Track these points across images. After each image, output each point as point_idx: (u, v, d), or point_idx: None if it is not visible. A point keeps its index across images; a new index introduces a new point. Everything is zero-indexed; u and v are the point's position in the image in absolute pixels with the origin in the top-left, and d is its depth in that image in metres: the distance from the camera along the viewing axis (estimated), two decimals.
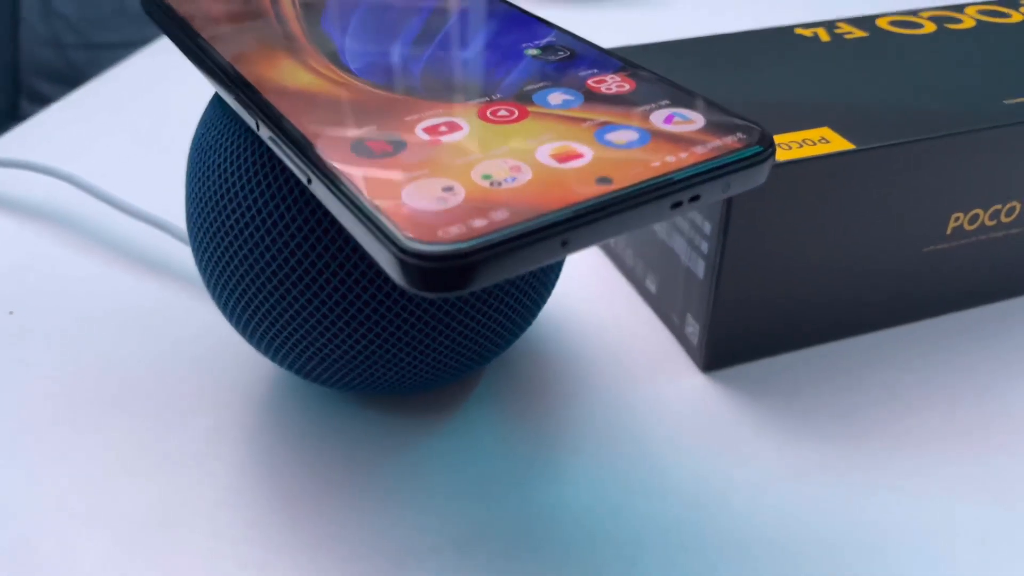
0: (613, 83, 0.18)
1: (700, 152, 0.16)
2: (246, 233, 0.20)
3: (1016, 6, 0.33)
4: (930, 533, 0.21)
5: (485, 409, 0.25)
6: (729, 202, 0.23)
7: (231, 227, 0.20)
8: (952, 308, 0.28)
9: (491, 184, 0.15)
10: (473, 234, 0.13)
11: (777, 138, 0.23)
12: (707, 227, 0.24)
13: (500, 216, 0.14)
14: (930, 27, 0.31)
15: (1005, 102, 0.25)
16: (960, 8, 0.33)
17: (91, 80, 0.45)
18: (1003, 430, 0.24)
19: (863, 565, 0.21)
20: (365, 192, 0.14)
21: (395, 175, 0.15)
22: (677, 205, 0.15)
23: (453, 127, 0.17)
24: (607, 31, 0.52)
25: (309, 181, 0.16)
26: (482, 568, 0.21)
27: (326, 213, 0.20)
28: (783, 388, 0.26)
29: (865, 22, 0.32)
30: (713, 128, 0.16)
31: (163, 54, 0.49)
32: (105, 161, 0.38)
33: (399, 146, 0.16)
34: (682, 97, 0.17)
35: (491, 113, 0.17)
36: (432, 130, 0.16)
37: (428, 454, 0.24)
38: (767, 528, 0.21)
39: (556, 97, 0.18)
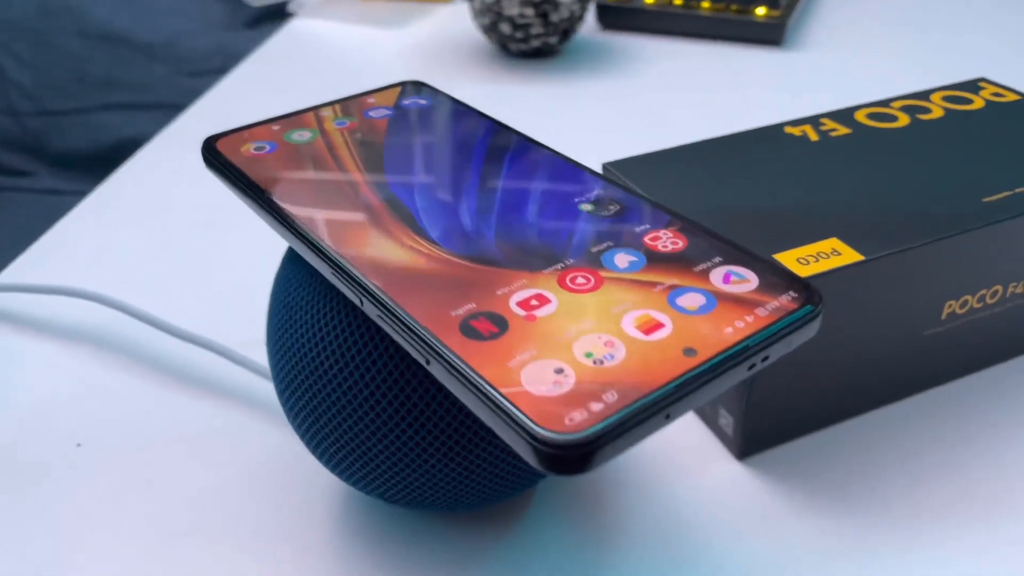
0: (667, 239, 0.21)
1: (764, 316, 0.18)
2: (344, 387, 0.22)
3: (976, 90, 0.37)
4: None
5: (546, 515, 0.27)
6: None
7: (327, 381, 0.22)
8: (950, 378, 0.31)
9: (594, 362, 0.17)
10: (594, 420, 0.16)
11: (793, 252, 0.26)
12: None
13: (611, 399, 0.16)
14: (904, 119, 0.34)
15: (984, 200, 0.29)
16: (926, 96, 0.36)
17: (95, 190, 0.47)
18: (1005, 487, 0.27)
19: None
20: (488, 379, 0.17)
21: (509, 359, 0.17)
22: (752, 367, 0.17)
23: (542, 300, 0.19)
24: (583, 102, 0.54)
25: (428, 362, 0.18)
26: None
27: (411, 362, 0.22)
28: (811, 469, 0.28)
29: (846, 117, 0.35)
30: (767, 287, 0.19)
31: (158, 151, 0.51)
32: (129, 274, 0.39)
33: (503, 325, 0.18)
34: (731, 253, 0.20)
35: (570, 281, 0.19)
36: (525, 304, 0.19)
37: (502, 560, 0.26)
38: None
39: (622, 259, 0.20)
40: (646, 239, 0.21)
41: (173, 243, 0.42)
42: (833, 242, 0.27)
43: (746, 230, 0.28)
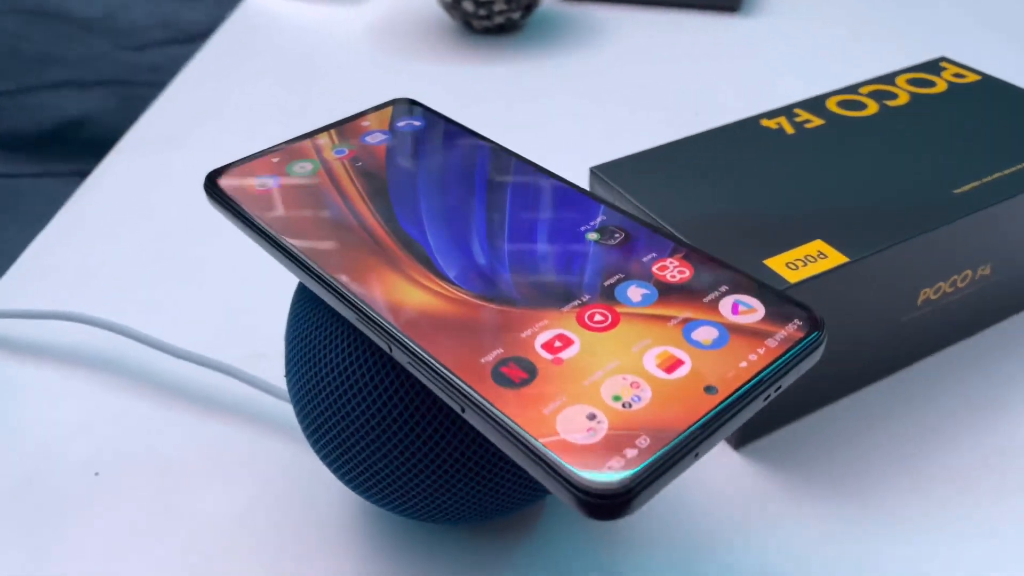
0: (674, 268, 0.22)
1: (774, 347, 0.19)
2: (372, 423, 0.23)
3: (938, 71, 0.38)
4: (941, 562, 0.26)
5: (557, 520, 0.29)
6: None
7: (354, 419, 0.23)
8: (924, 355, 0.33)
9: (623, 405, 0.18)
10: (631, 467, 0.17)
11: (782, 257, 0.28)
12: None
13: (644, 443, 0.17)
14: (873, 107, 0.36)
15: (954, 192, 0.30)
16: (892, 79, 0.38)
17: (66, 204, 0.46)
18: (983, 456, 0.29)
19: None
20: (527, 430, 0.18)
21: (543, 407, 0.18)
22: (768, 397, 0.19)
23: (565, 340, 0.20)
24: (550, 80, 0.55)
25: (463, 410, 0.19)
26: None
27: (427, 393, 0.23)
28: (805, 452, 0.30)
29: (818, 106, 0.36)
30: (773, 316, 0.20)
31: (127, 155, 0.50)
32: (115, 292, 0.39)
33: (532, 371, 0.19)
34: (736, 280, 0.21)
35: (589, 319, 0.20)
36: (549, 346, 0.20)
37: (518, 567, 0.27)
38: None
39: (635, 293, 0.21)
40: (654, 269, 0.22)
41: (156, 254, 0.42)
42: (818, 244, 0.28)
43: (735, 236, 0.29)
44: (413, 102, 0.30)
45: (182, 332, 0.37)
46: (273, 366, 0.35)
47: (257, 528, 0.29)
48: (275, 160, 0.27)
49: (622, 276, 0.22)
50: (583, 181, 0.45)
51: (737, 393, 0.18)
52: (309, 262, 0.23)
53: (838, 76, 0.55)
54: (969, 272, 0.31)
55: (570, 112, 0.52)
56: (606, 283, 0.22)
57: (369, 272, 0.22)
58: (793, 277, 0.27)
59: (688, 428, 0.18)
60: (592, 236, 0.23)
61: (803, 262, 0.27)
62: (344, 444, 0.24)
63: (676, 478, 0.18)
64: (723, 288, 0.21)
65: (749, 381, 0.19)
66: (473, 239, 0.23)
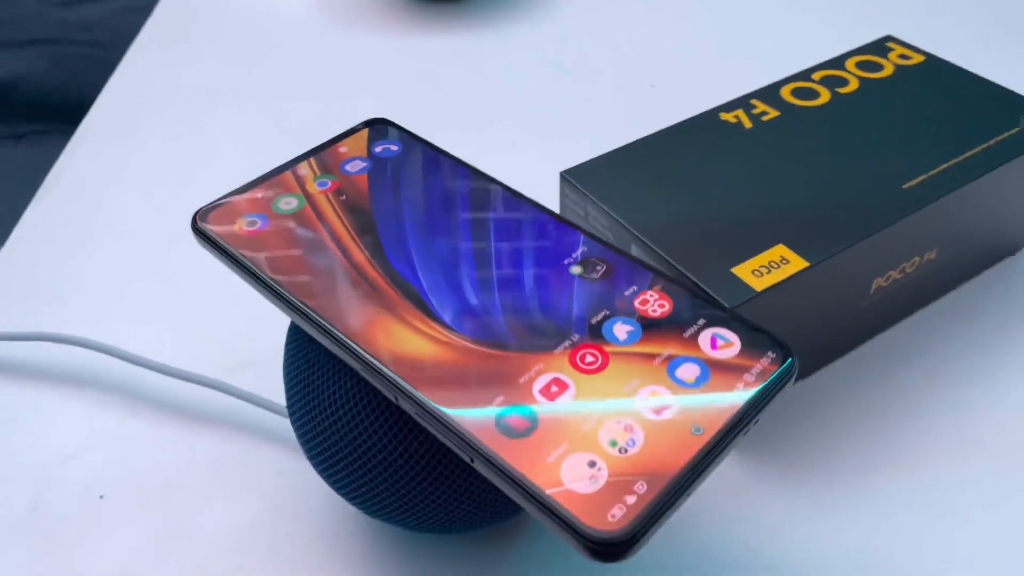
0: (655, 302, 0.23)
1: (752, 381, 0.21)
2: (376, 459, 0.25)
3: (885, 53, 0.40)
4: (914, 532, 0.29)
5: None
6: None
7: (360, 455, 0.25)
8: (875, 334, 0.36)
9: (619, 451, 0.20)
10: (632, 513, 0.19)
11: (748, 264, 0.29)
12: None
13: (642, 489, 0.19)
14: (825, 95, 0.37)
15: (903, 187, 0.32)
16: (841, 63, 0.39)
17: (24, 215, 0.45)
18: (938, 422, 0.32)
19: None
20: (534, 481, 0.19)
21: (547, 456, 0.20)
22: (747, 432, 0.21)
23: (561, 385, 0.21)
24: (500, 50, 0.55)
25: (472, 460, 0.21)
26: None
27: (421, 431, 0.24)
28: (777, 430, 0.32)
29: (773, 96, 0.37)
30: (749, 348, 0.22)
31: (81, 154, 0.49)
32: (87, 307, 0.39)
33: (533, 420, 0.21)
34: (712, 314, 0.23)
35: (580, 360, 0.22)
36: (546, 391, 0.21)
37: (513, 564, 0.29)
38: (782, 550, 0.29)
39: (620, 330, 0.23)
40: (636, 303, 0.23)
41: (124, 262, 0.42)
42: (780, 249, 0.30)
43: (704, 243, 0.30)
44: (388, 123, 0.31)
45: (163, 344, 0.37)
46: (260, 374, 0.36)
47: (262, 541, 0.30)
48: (259, 196, 0.28)
49: (607, 313, 0.23)
50: (541, 160, 0.46)
51: (722, 432, 0.20)
52: (314, 314, 0.24)
53: (789, 46, 0.56)
54: (917, 259, 0.34)
55: (523, 80, 0.52)
56: (593, 321, 0.23)
57: (371, 321, 0.23)
58: (759, 285, 0.29)
59: (680, 470, 0.19)
60: (575, 270, 0.25)
61: (767, 268, 0.29)
62: (352, 475, 0.26)
63: (671, 516, 0.19)
64: (701, 321, 0.23)
65: (731, 419, 0.20)
66: (464, 280, 0.25)
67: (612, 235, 0.32)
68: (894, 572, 0.28)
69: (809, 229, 0.31)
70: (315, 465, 0.27)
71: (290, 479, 0.32)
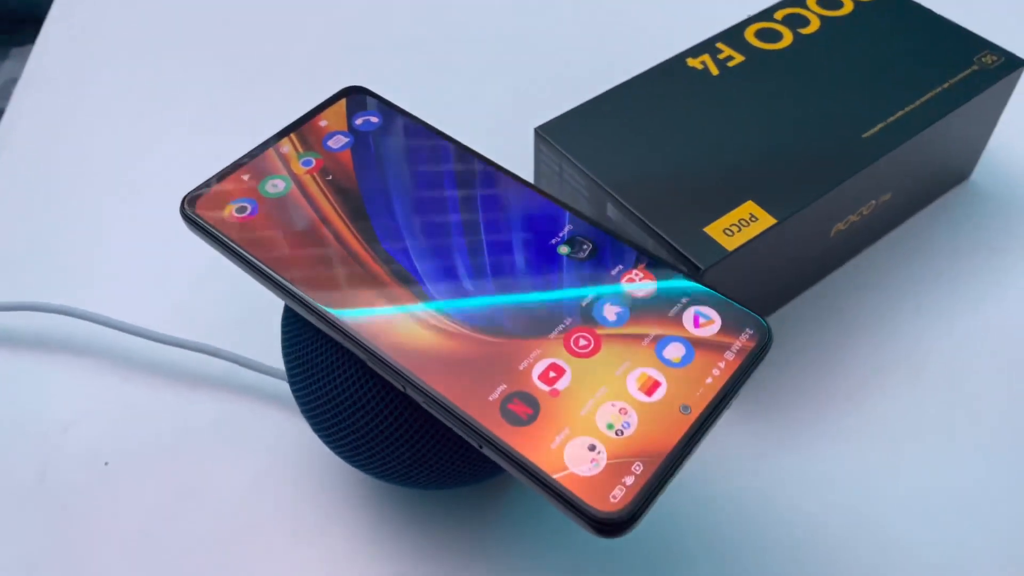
0: (639, 279, 0.25)
1: (732, 359, 0.23)
2: (375, 432, 0.26)
3: None
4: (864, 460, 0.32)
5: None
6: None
7: (354, 433, 0.26)
8: (834, 269, 0.38)
9: (616, 433, 0.22)
10: (631, 493, 0.21)
11: (719, 223, 0.31)
12: None
13: (639, 469, 0.21)
14: (788, 37, 0.38)
15: (863, 136, 0.34)
16: (803, 1, 0.40)
17: None
18: (899, 348, 0.35)
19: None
20: (541, 467, 0.21)
21: (551, 441, 0.22)
22: (728, 406, 0.23)
23: (558, 370, 0.23)
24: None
25: (480, 446, 0.22)
26: None
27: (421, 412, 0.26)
28: None
29: (737, 39, 0.38)
30: (729, 325, 0.24)
31: (25, 117, 0.48)
32: (61, 273, 0.39)
33: (535, 406, 0.22)
34: (695, 293, 0.24)
35: (575, 344, 0.24)
36: (545, 377, 0.23)
37: (498, 525, 0.32)
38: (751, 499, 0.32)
39: (610, 311, 0.24)
40: (623, 283, 0.25)
41: (92, 222, 0.41)
42: (749, 206, 0.31)
43: (675, 203, 0.32)
44: (365, 91, 0.31)
45: (146, 305, 0.38)
46: (248, 334, 0.37)
47: (267, 499, 0.32)
48: (246, 178, 0.28)
49: (596, 295, 0.25)
50: (514, 104, 0.46)
51: (707, 410, 0.22)
52: (319, 307, 0.25)
53: None
54: (873, 202, 0.35)
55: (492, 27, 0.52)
56: (583, 303, 0.24)
57: (374, 311, 0.25)
58: (730, 244, 0.30)
59: (671, 449, 0.21)
60: (563, 250, 0.26)
61: (737, 227, 0.31)
62: (356, 443, 0.27)
63: (664, 491, 0.22)
64: (683, 300, 0.24)
65: (715, 396, 0.22)
66: (457, 265, 0.26)
67: (588, 194, 0.33)
68: (850, 497, 0.32)
69: (775, 184, 0.32)
70: (321, 436, 0.28)
71: (288, 439, 0.34)
